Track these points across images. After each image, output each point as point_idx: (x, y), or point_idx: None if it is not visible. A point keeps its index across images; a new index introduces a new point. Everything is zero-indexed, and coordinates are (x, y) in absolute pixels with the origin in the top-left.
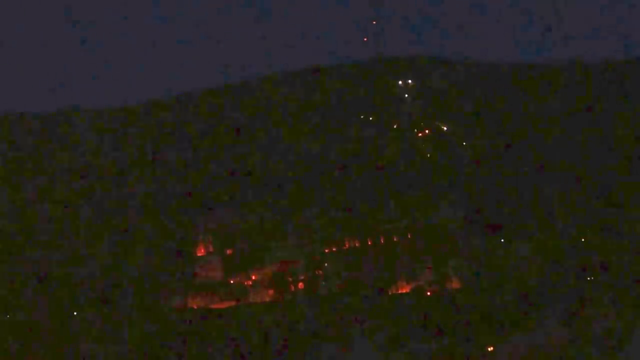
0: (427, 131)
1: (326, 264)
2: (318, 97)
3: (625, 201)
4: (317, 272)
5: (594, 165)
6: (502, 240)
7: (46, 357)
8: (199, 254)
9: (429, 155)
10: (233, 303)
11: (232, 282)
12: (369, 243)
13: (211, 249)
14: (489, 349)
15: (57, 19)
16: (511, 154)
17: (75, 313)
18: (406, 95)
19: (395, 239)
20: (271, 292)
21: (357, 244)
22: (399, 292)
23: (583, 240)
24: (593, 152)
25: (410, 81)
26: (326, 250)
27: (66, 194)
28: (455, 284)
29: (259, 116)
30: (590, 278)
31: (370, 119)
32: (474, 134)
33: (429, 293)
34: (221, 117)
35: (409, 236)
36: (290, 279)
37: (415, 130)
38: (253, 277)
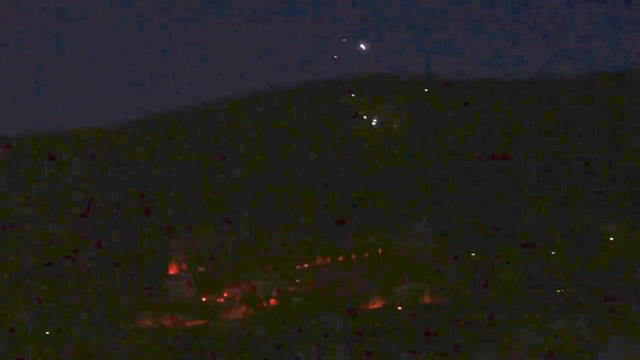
0: (404, 148)
1: (297, 281)
2: (291, 116)
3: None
4: (289, 289)
5: (572, 183)
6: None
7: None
8: (170, 272)
9: (404, 171)
10: (205, 321)
11: (204, 299)
12: (341, 259)
13: (183, 267)
14: None
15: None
16: (492, 171)
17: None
18: (381, 113)
19: (366, 255)
20: (243, 309)
21: (328, 261)
22: (372, 307)
23: (554, 253)
24: (573, 169)
25: (384, 99)
26: (297, 267)
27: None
28: (427, 300)
29: (230, 136)
30: (561, 290)
31: (344, 137)
32: (453, 151)
33: (400, 308)
34: (195, 136)
35: (380, 252)
36: (262, 296)
37: (392, 147)
38: (225, 295)
